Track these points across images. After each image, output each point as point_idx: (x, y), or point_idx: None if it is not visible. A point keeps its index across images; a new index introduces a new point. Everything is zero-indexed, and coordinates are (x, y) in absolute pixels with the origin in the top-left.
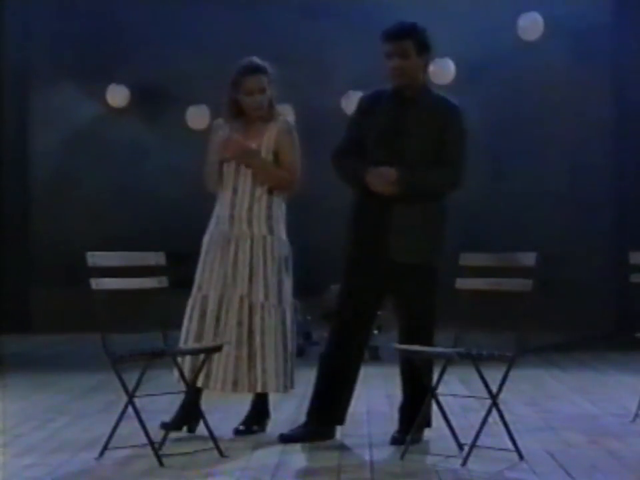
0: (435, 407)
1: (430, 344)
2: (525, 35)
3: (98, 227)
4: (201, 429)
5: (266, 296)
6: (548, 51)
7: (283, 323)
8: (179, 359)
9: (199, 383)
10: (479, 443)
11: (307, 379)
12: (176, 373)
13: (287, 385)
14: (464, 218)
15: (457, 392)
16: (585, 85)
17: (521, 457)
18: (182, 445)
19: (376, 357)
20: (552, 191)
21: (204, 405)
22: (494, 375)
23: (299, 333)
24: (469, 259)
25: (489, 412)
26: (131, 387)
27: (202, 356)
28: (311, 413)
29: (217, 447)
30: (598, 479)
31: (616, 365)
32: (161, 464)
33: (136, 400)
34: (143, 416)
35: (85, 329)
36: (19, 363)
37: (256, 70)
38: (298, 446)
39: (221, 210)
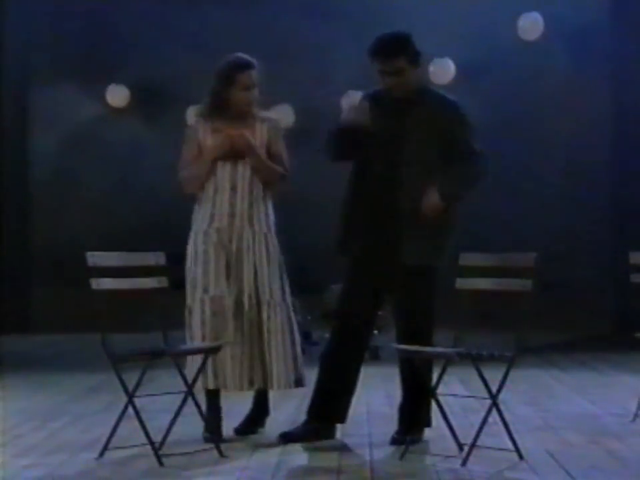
0: (435, 406)
1: (429, 345)
2: (525, 35)
3: (98, 227)
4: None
5: (271, 293)
6: (548, 51)
7: (289, 318)
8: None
9: (213, 385)
10: (479, 442)
11: (307, 379)
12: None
13: (298, 379)
14: (464, 218)
15: (456, 392)
16: (584, 85)
17: (520, 457)
18: (182, 445)
19: (376, 357)
20: (552, 190)
21: (203, 404)
22: (494, 375)
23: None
24: (468, 258)
25: (488, 412)
26: (131, 387)
27: (218, 359)
28: (312, 410)
29: (217, 447)
30: (598, 479)
31: (616, 365)
32: (161, 464)
33: (136, 400)
34: (143, 416)
35: (85, 329)
36: (19, 363)
37: (250, 65)
38: (298, 446)
39: (215, 209)
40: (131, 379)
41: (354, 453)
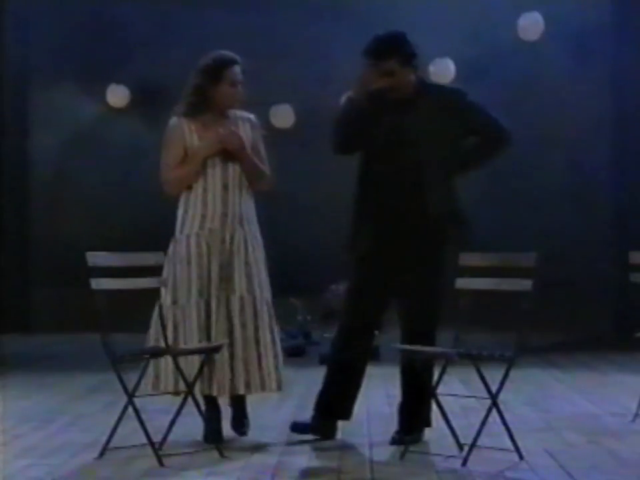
0: (434, 406)
1: (432, 345)
2: (525, 35)
3: (98, 227)
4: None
5: (261, 295)
6: (548, 51)
7: (271, 317)
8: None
9: (207, 391)
10: (479, 442)
11: (307, 379)
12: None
13: (280, 382)
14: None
15: (456, 392)
16: (584, 85)
17: (520, 457)
18: (182, 445)
19: (376, 357)
20: (552, 190)
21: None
22: (494, 375)
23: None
24: (469, 258)
25: (488, 412)
26: (130, 387)
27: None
28: (319, 407)
29: (217, 447)
30: (598, 479)
31: (616, 365)
32: (161, 464)
33: (136, 400)
34: (143, 416)
35: (85, 329)
36: (19, 363)
37: (236, 61)
38: (298, 446)
39: (206, 209)
40: (131, 378)
41: (354, 452)
